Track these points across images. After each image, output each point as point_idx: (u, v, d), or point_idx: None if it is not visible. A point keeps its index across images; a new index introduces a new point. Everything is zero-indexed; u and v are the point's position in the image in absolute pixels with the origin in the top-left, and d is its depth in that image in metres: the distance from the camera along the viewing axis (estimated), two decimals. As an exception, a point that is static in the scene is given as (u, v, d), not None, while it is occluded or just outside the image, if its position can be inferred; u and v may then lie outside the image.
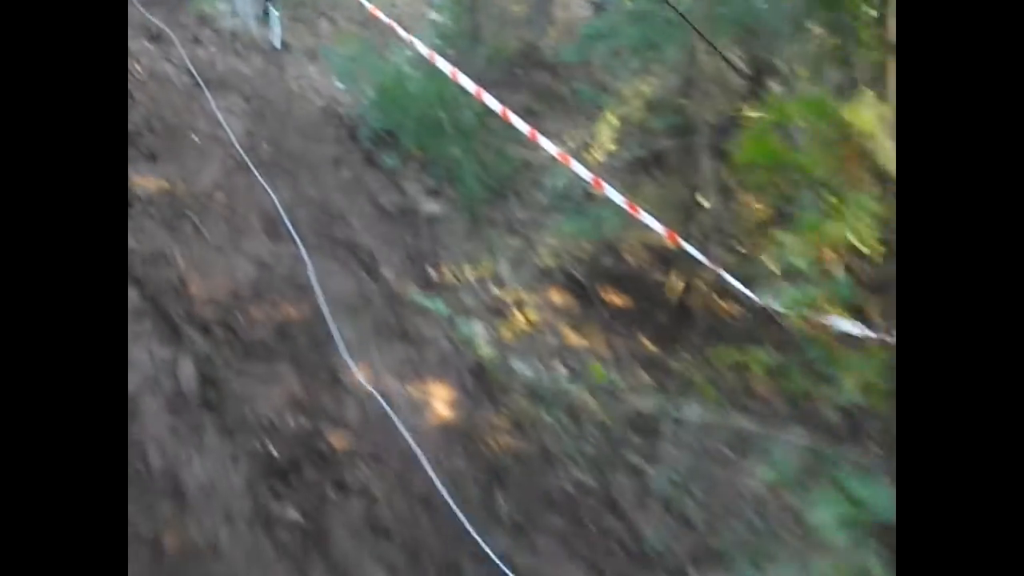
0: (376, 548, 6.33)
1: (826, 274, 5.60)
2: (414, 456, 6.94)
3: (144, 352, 6.87)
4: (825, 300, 5.52)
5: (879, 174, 4.89)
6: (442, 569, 6.48)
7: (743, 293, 7.87)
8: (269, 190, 8.81)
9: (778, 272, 6.26)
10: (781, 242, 8.33)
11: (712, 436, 7.98)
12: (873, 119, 4.09)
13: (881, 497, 3.88)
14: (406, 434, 7.12)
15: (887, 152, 4.19)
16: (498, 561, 6.59)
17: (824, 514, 4.17)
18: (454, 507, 6.68)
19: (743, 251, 9.22)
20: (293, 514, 6.33)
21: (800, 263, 4.91)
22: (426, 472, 6.84)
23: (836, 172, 4.64)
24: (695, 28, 7.91)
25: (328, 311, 7.87)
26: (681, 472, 7.79)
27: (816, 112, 4.83)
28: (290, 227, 8.54)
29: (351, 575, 6.08)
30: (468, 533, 6.54)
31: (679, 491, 7.68)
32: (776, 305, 7.13)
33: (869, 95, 4.66)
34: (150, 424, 6.41)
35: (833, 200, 4.97)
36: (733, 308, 8.87)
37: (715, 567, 5.90)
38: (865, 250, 4.88)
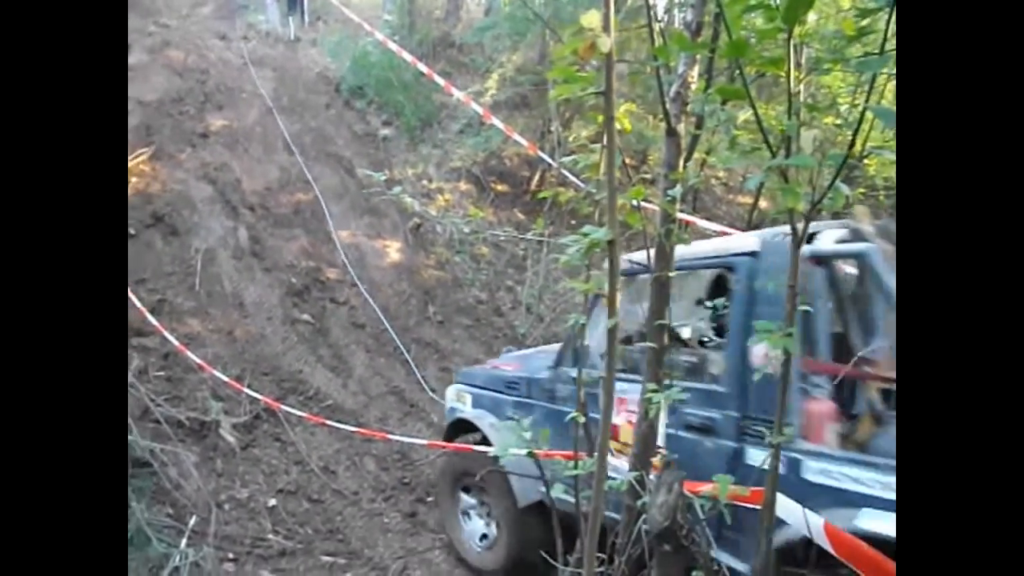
0: (356, 336, 9.28)
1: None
2: (378, 281, 10.06)
3: (217, 224, 9.89)
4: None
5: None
6: (394, 349, 9.11)
7: (575, 182, 9.81)
8: (282, 124, 12.19)
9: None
10: (593, 150, 12.17)
11: (557, 266, 10.56)
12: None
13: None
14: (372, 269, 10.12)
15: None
16: (429, 343, 9.50)
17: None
18: (402, 315, 9.60)
19: (574, 156, 12.31)
20: (307, 317, 9.19)
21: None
22: (387, 292, 9.98)
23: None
24: (544, 23, 11.18)
25: (321, 197, 10.95)
26: (537, 289, 10.92)
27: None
28: (295, 147, 11.78)
29: (342, 351, 8.92)
30: (410, 329, 9.55)
31: (536, 301, 10.80)
32: (590, 187, 9.99)
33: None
34: (223, 266, 9.31)
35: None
36: (569, 191, 11.33)
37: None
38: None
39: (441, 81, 10.39)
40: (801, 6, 1.88)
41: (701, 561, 2.72)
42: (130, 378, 6.49)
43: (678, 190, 2.73)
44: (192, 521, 5.60)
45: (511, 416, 5.06)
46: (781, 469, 3.13)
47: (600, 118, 2.35)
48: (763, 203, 12.12)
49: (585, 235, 2.25)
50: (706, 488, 2.92)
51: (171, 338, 7.22)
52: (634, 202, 2.79)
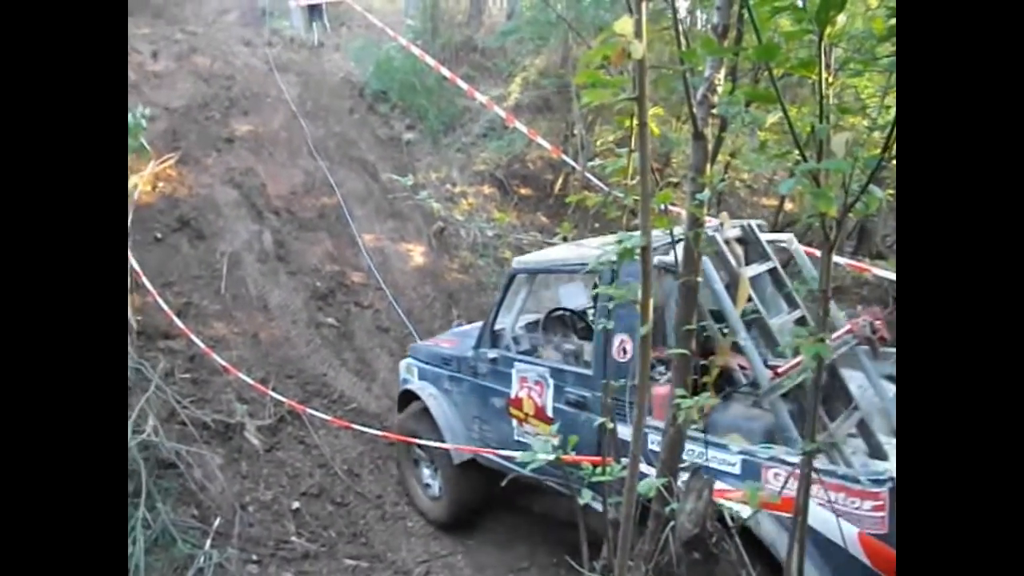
0: (381, 340, 9.27)
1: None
2: (402, 285, 10.02)
3: (243, 228, 9.94)
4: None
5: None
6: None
7: (599, 186, 10.18)
8: (307, 129, 12.22)
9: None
10: (620, 154, 12.07)
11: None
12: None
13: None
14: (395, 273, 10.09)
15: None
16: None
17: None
18: (426, 318, 9.60)
19: (599, 161, 12.14)
20: (331, 321, 9.19)
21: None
22: (411, 295, 9.96)
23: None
24: (569, 24, 10.96)
25: (345, 201, 10.97)
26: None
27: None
28: (317, 152, 11.83)
29: (366, 355, 8.92)
30: (435, 332, 9.07)
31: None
32: (618, 192, 10.09)
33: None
34: (248, 270, 9.37)
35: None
36: (595, 196, 11.57)
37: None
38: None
39: (464, 85, 10.52)
40: (832, 7, 1.86)
41: (732, 570, 2.70)
42: (156, 380, 6.52)
43: (706, 194, 2.71)
44: (216, 522, 5.63)
45: (447, 388, 6.18)
46: (628, 436, 3.63)
47: (627, 122, 2.35)
48: (788, 205, 12.07)
49: (619, 241, 2.25)
50: (735, 495, 2.91)
51: (197, 341, 7.27)
52: (661, 206, 2.78)
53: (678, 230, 2.87)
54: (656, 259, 3.96)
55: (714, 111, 2.81)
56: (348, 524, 6.23)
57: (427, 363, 6.57)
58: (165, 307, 7.55)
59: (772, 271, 4.91)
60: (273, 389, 7.16)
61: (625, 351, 4.52)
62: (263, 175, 11.20)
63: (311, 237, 10.42)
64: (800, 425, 3.87)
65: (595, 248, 4.74)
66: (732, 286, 4.26)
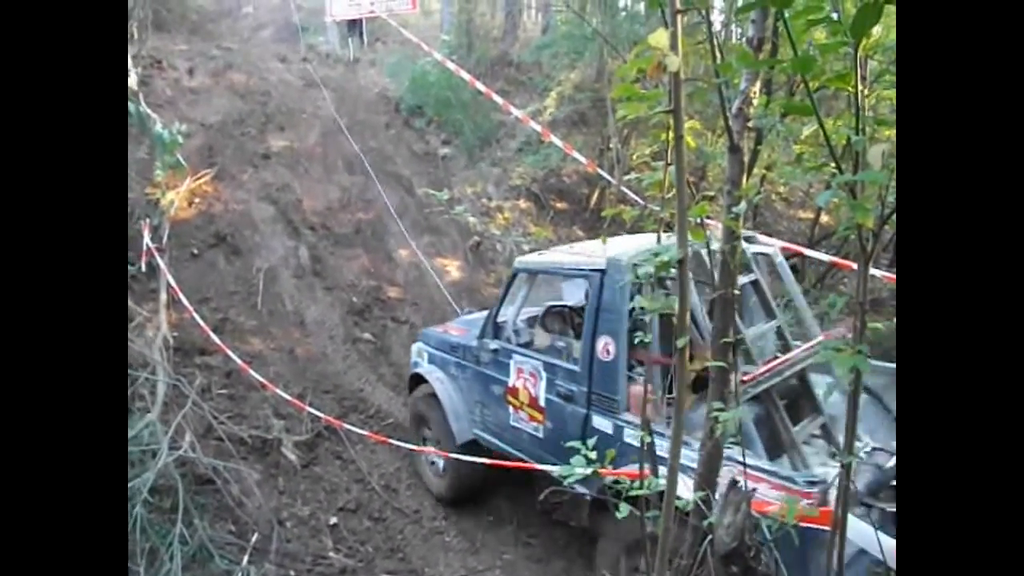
0: None
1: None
2: (439, 301, 9.99)
3: (279, 244, 10.05)
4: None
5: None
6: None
7: (635, 199, 10.23)
8: (345, 145, 12.36)
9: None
10: (656, 167, 11.98)
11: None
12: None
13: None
14: (433, 288, 10.03)
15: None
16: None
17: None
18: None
19: (634, 175, 12.34)
20: (368, 336, 9.21)
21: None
22: (447, 310, 9.73)
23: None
24: (604, 39, 11.05)
25: (383, 216, 11.05)
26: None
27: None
28: (356, 166, 11.99)
29: (403, 370, 8.58)
30: None
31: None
32: (654, 205, 10.22)
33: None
34: (284, 285, 9.46)
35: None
36: (632, 209, 11.62)
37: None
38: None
39: (500, 100, 10.53)
40: (869, 19, 1.84)
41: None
42: (193, 396, 6.59)
43: (743, 207, 2.69)
44: (254, 538, 5.64)
45: (453, 374, 6.62)
46: (608, 430, 4.82)
47: (664, 135, 2.33)
48: (824, 218, 11.99)
49: (656, 254, 2.25)
50: (773, 509, 2.89)
51: (234, 356, 7.32)
52: (697, 219, 2.77)
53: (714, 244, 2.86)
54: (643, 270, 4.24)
55: (750, 124, 2.79)
56: (385, 539, 6.22)
57: (436, 349, 6.93)
58: (202, 323, 7.62)
59: (755, 282, 5.20)
60: (310, 405, 7.15)
61: (609, 351, 4.87)
62: (299, 191, 11.31)
63: (347, 252, 10.49)
64: (761, 429, 4.34)
65: (591, 251, 5.36)
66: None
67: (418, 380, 7.00)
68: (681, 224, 2.12)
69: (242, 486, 6.08)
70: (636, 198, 10.13)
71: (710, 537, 2.65)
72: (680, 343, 2.12)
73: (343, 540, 6.08)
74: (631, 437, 4.57)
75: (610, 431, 4.81)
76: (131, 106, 8.95)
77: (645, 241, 5.15)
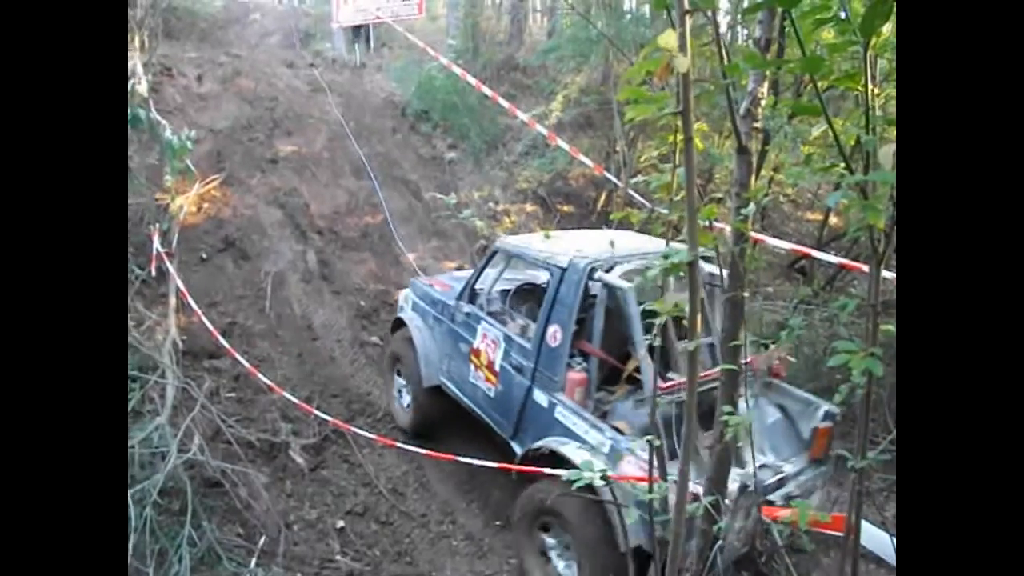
0: None
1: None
2: None
3: (287, 248, 10.08)
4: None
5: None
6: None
7: (641, 202, 10.20)
8: (352, 150, 12.39)
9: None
10: (662, 170, 11.91)
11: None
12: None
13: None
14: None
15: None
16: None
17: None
18: None
19: (641, 177, 12.07)
20: (376, 340, 9.24)
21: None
22: None
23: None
24: (611, 41, 11.07)
25: (390, 220, 11.11)
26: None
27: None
28: (362, 171, 12.02)
29: None
30: None
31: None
32: (661, 208, 10.13)
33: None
34: (292, 289, 9.48)
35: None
36: (639, 213, 11.67)
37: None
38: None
39: (506, 104, 10.49)
40: (878, 17, 1.83)
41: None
42: (202, 399, 6.56)
43: (751, 208, 2.68)
44: (262, 541, 5.63)
45: (430, 325, 7.33)
46: (544, 404, 5.51)
47: (671, 137, 2.32)
48: (833, 220, 11.95)
49: (665, 256, 2.24)
50: (784, 514, 2.87)
51: (242, 360, 7.32)
52: (705, 222, 2.75)
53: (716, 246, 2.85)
54: (599, 274, 5.37)
55: (757, 125, 2.78)
56: (393, 543, 6.20)
57: (420, 299, 7.63)
58: (210, 327, 7.63)
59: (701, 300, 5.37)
60: (317, 408, 7.15)
61: (556, 338, 5.48)
62: (307, 195, 11.33)
63: (355, 256, 10.53)
64: (668, 428, 4.68)
65: (567, 242, 5.98)
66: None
67: (400, 323, 7.71)
68: (691, 226, 2.10)
69: (250, 489, 6.06)
70: (643, 201, 10.04)
71: (720, 543, 2.64)
72: (691, 347, 2.10)
73: (350, 544, 6.06)
74: (560, 414, 5.32)
75: (545, 405, 5.51)
76: (141, 112, 9.02)
77: (601, 237, 6.32)
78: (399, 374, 7.73)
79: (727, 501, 2.80)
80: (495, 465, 5.75)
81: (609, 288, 5.40)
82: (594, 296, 5.54)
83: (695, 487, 3.82)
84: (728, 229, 2.95)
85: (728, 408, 2.65)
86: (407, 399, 7.59)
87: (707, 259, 5.37)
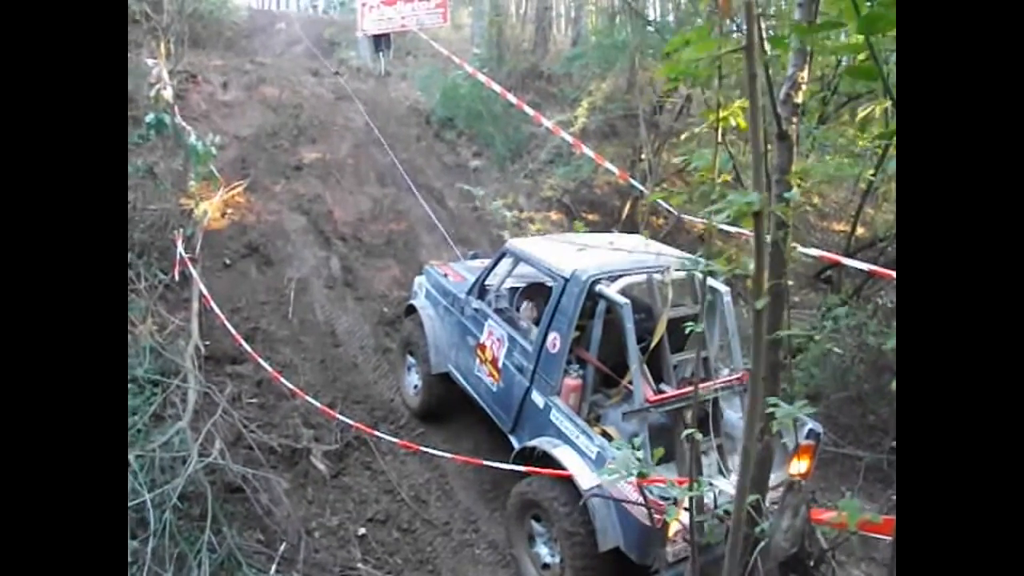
0: None
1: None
2: None
3: (310, 254, 10.09)
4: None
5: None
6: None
7: (667, 209, 10.77)
8: (377, 156, 12.42)
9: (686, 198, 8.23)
10: (687, 180, 11.58)
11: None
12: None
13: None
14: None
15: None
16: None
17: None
18: None
19: (665, 186, 11.99)
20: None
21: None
22: None
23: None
24: (636, 48, 11.40)
25: (414, 228, 11.10)
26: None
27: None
28: (388, 178, 12.02)
29: None
30: None
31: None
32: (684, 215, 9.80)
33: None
34: (316, 295, 9.48)
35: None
36: (660, 220, 11.67)
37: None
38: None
39: (530, 111, 10.53)
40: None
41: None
42: (223, 404, 6.53)
43: (794, 193, 2.57)
44: (282, 548, 5.55)
45: (441, 315, 7.61)
46: (540, 405, 5.79)
47: (712, 115, 2.22)
48: (860, 230, 11.80)
49: (731, 201, 2.10)
50: (828, 516, 2.74)
51: (265, 365, 7.28)
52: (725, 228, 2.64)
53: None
54: (599, 287, 5.60)
55: (800, 105, 2.67)
56: (415, 551, 6.11)
57: (433, 288, 7.91)
58: (233, 332, 7.60)
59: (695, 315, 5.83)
60: (340, 414, 7.05)
61: (555, 345, 5.73)
62: (330, 202, 11.37)
63: (378, 263, 10.50)
64: (659, 436, 5.25)
65: (576, 254, 6.01)
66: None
67: (413, 309, 7.98)
68: (757, 169, 1.99)
69: (271, 495, 6.00)
70: (669, 208, 10.13)
71: (762, 544, 2.51)
72: (759, 305, 1.98)
73: (372, 551, 5.98)
74: (555, 417, 5.62)
75: (541, 407, 5.80)
76: (166, 118, 9.17)
77: (628, 243, 6.56)
78: (411, 354, 7.98)
79: (766, 503, 2.68)
80: (523, 468, 5.65)
81: (608, 301, 5.62)
82: (597, 304, 5.73)
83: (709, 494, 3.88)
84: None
85: (773, 400, 2.51)
86: (417, 382, 7.84)
87: (711, 274, 5.34)
